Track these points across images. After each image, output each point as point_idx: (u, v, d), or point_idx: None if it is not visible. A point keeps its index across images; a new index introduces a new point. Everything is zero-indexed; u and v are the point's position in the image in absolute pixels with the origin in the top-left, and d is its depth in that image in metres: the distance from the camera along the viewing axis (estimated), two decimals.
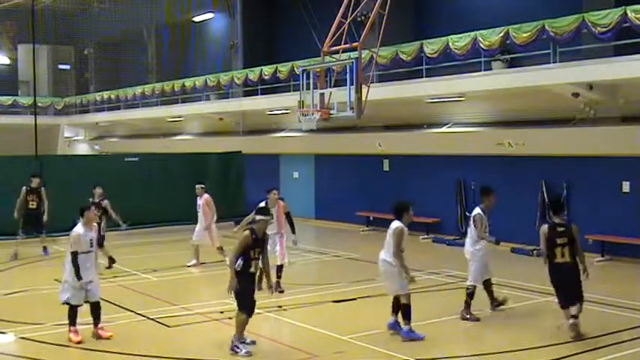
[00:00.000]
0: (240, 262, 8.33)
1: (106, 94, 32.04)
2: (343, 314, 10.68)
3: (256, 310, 10.61)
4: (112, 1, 31.52)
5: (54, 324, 9.89)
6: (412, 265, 14.06)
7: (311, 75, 14.93)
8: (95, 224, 9.52)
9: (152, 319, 10.23)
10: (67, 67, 37.47)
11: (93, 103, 33.62)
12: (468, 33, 15.88)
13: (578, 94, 14.60)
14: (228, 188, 22.26)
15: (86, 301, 9.13)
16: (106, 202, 14.28)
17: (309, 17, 17.54)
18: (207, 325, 10.04)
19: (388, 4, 14.62)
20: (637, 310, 10.64)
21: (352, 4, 15.21)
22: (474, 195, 17.65)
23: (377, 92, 15.33)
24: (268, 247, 10.84)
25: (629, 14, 12.90)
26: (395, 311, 9.30)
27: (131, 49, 33.59)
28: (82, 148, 37.06)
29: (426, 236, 18.74)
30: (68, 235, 13.82)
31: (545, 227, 9.18)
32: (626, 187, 14.97)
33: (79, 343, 8.89)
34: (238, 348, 8.28)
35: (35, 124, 20.04)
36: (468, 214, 17.84)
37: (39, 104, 28.09)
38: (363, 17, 15.87)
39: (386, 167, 20.62)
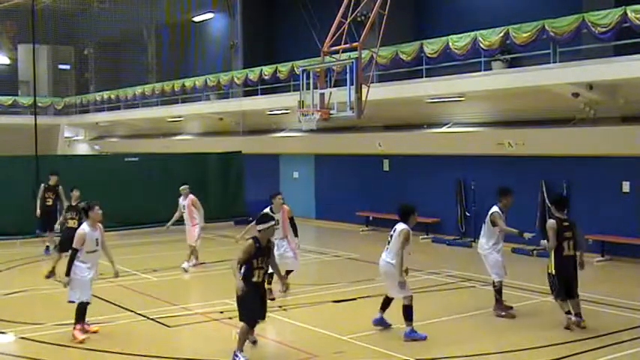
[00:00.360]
0: (242, 270, 8.11)
1: (106, 94, 32.04)
2: (343, 314, 10.69)
3: None
4: (112, 1, 31.52)
5: (54, 324, 9.90)
6: (412, 265, 14.03)
7: (311, 75, 14.93)
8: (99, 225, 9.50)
9: (152, 319, 10.23)
10: (67, 67, 37.48)
11: (93, 103, 33.62)
12: (468, 33, 15.88)
13: (578, 94, 14.60)
14: (228, 188, 22.28)
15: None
16: (83, 204, 13.90)
17: (309, 17, 17.55)
18: (207, 325, 10.04)
19: (388, 4, 14.62)
20: (637, 310, 10.64)
21: (352, 4, 15.21)
22: (474, 195, 17.67)
23: (377, 92, 15.33)
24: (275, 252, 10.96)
25: (629, 14, 12.90)
26: (383, 308, 9.47)
27: (131, 49, 33.58)
28: (82, 148, 37.06)
29: (426, 236, 18.74)
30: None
31: (553, 222, 9.49)
32: (626, 187, 14.98)
33: (81, 342, 8.87)
34: (237, 356, 8.09)
35: (35, 124, 20.02)
36: (468, 214, 17.95)
37: (39, 104, 28.09)
38: (363, 17, 15.87)
39: (386, 167, 20.63)
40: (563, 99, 15.04)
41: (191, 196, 14.40)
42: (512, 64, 16.57)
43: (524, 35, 14.65)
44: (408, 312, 9.07)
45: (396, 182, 20.00)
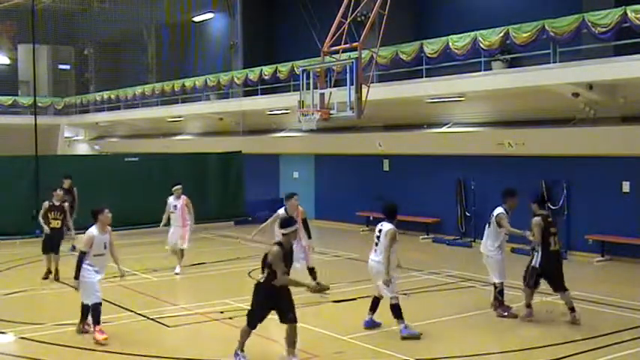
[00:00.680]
0: (265, 275, 7.92)
1: (106, 94, 32.05)
2: (343, 314, 10.68)
3: None
4: (112, 1, 31.50)
5: (54, 324, 9.90)
6: (412, 265, 14.11)
7: (311, 75, 14.92)
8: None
9: (152, 319, 10.23)
10: (67, 67, 37.48)
11: (93, 103, 33.63)
12: (468, 33, 15.88)
13: (578, 94, 14.60)
14: (228, 188, 22.28)
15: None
16: (66, 205, 13.64)
17: (309, 17, 17.54)
18: (207, 325, 10.04)
19: (388, 4, 14.61)
20: (637, 310, 10.64)
21: (352, 4, 15.20)
22: (474, 195, 17.67)
23: (377, 92, 15.32)
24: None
25: (629, 14, 12.91)
26: (372, 309, 9.56)
27: (131, 49, 33.58)
28: (82, 148, 37.07)
29: (426, 236, 18.75)
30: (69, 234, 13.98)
31: (539, 219, 9.84)
32: (626, 187, 14.98)
33: (105, 339, 8.81)
34: (237, 356, 8.07)
35: (35, 124, 20.01)
36: (468, 214, 17.95)
37: (39, 104, 28.08)
38: (363, 17, 15.86)
39: (386, 167, 20.62)
40: (563, 99, 15.04)
41: (184, 196, 14.21)
42: (512, 64, 16.58)
43: (524, 35, 14.66)
44: (396, 310, 9.16)
45: (396, 182, 19.99)
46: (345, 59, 14.88)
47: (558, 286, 9.86)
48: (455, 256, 16.22)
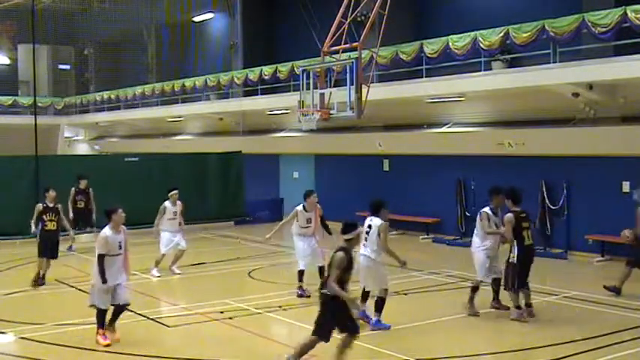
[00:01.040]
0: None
1: (106, 94, 32.05)
2: None
3: (256, 311, 10.70)
4: (112, 1, 31.50)
5: (54, 324, 9.90)
6: (412, 265, 14.06)
7: (311, 75, 14.92)
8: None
9: (152, 319, 10.23)
10: (67, 67, 37.47)
11: (93, 103, 33.62)
12: (468, 33, 15.88)
13: (578, 94, 14.60)
14: (228, 188, 22.28)
15: (113, 304, 8.90)
16: (60, 206, 13.10)
17: (309, 17, 17.54)
18: (207, 325, 10.03)
19: (388, 4, 14.61)
20: (637, 310, 10.64)
21: (352, 4, 15.20)
22: (474, 195, 17.67)
23: (377, 92, 15.32)
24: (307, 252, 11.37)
25: (629, 14, 12.91)
26: (364, 300, 9.72)
27: (131, 49, 33.58)
28: (82, 148, 37.06)
29: (426, 236, 18.74)
30: (68, 234, 13.97)
31: (510, 215, 9.95)
32: (626, 187, 14.97)
33: (107, 346, 8.72)
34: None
35: (35, 124, 20.01)
36: (468, 214, 17.94)
37: (39, 104, 28.08)
38: (363, 17, 15.86)
39: (386, 167, 20.62)
40: (563, 99, 15.04)
41: (179, 202, 14.06)
42: (512, 64, 16.58)
43: (524, 35, 14.65)
44: (381, 304, 9.45)
45: (396, 182, 19.99)
46: (345, 59, 14.88)
47: (520, 283, 9.98)
48: (455, 256, 16.20)
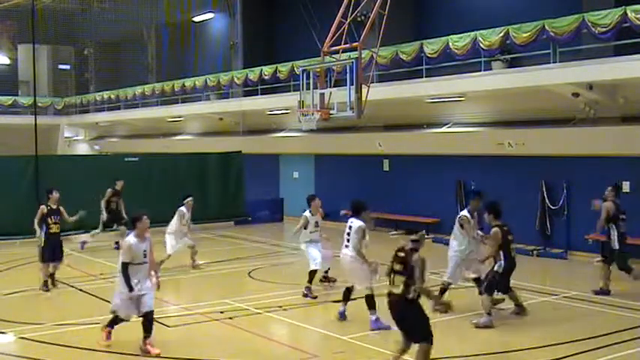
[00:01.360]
0: (414, 288, 7.37)
1: (106, 94, 32.05)
2: None
3: (256, 311, 10.70)
4: (112, 1, 31.51)
5: (54, 324, 9.90)
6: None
7: (311, 75, 14.93)
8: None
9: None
10: (67, 67, 37.47)
11: (93, 103, 33.63)
12: (468, 33, 15.88)
13: (578, 94, 14.60)
14: (228, 188, 22.28)
15: (139, 315, 8.70)
16: (62, 208, 12.52)
17: (309, 17, 17.54)
18: (207, 325, 10.03)
19: (388, 4, 14.62)
20: (637, 310, 10.64)
21: (352, 4, 15.20)
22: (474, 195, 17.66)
23: (377, 92, 15.33)
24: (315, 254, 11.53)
25: (629, 14, 12.90)
26: (345, 300, 9.97)
27: (131, 49, 33.59)
28: (82, 148, 37.06)
29: (426, 236, 18.70)
30: (63, 235, 13.90)
31: (497, 230, 9.94)
32: (626, 187, 14.96)
33: (107, 346, 8.69)
34: None
35: (35, 124, 20.00)
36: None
37: (39, 104, 28.08)
38: (363, 17, 15.87)
39: (386, 167, 20.62)
40: (563, 99, 15.04)
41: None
42: (512, 64, 16.57)
43: (524, 35, 14.65)
44: (371, 300, 9.55)
45: (396, 182, 19.99)
46: (345, 59, 14.89)
47: (502, 289, 10.09)
48: None
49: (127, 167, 20.66)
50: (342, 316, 10.03)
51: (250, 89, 23.70)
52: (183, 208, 14.25)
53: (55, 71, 36.84)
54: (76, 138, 37.70)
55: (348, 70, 13.97)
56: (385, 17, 14.76)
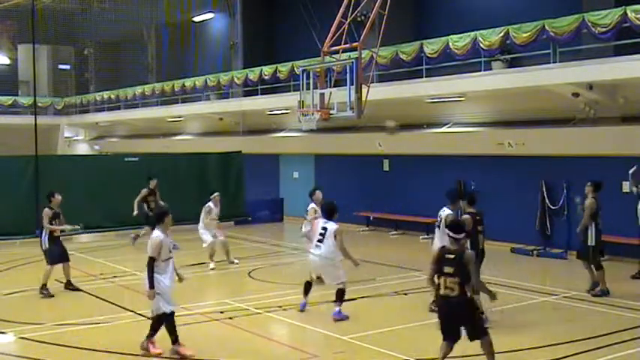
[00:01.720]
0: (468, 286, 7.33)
1: (106, 94, 32.05)
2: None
3: (256, 311, 10.70)
4: (112, 1, 31.52)
5: (54, 324, 9.90)
6: (412, 264, 14.12)
7: (311, 75, 14.93)
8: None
9: (152, 319, 10.19)
10: (67, 67, 37.48)
11: (93, 103, 33.63)
12: (468, 33, 15.88)
13: (578, 94, 14.60)
14: (228, 188, 22.26)
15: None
16: (61, 213, 12.35)
17: (309, 17, 17.54)
18: (207, 325, 10.03)
19: (388, 4, 14.62)
20: (637, 310, 10.64)
21: (352, 4, 15.20)
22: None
23: (377, 92, 15.32)
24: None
25: (629, 14, 12.90)
26: (305, 293, 10.46)
27: (131, 49, 33.59)
28: (82, 148, 37.07)
29: (426, 236, 18.71)
30: (63, 235, 13.88)
31: (468, 217, 9.88)
32: (626, 187, 14.96)
33: (158, 355, 8.52)
34: None
35: (35, 124, 20.00)
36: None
37: (39, 104, 28.08)
38: (363, 17, 15.87)
39: (386, 167, 20.62)
40: (563, 99, 15.04)
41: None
42: (512, 64, 16.57)
43: (524, 35, 14.65)
44: (342, 294, 10.08)
45: (396, 182, 19.99)
46: (345, 59, 14.89)
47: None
48: None
49: (127, 167, 20.67)
50: (303, 308, 10.45)
51: (250, 89, 23.71)
52: (210, 204, 14.84)
53: (55, 71, 36.85)
54: (76, 138, 37.71)
55: (348, 70, 13.96)
56: (385, 17, 14.76)
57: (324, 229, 10.08)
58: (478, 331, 7.49)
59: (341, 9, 15.20)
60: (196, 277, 13.95)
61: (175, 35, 30.74)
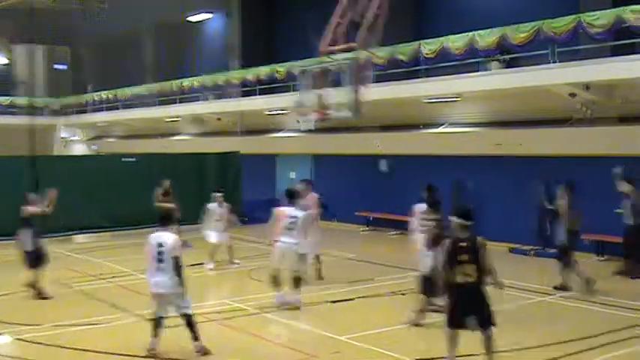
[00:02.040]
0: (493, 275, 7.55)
1: (103, 94, 32.00)
2: (341, 314, 10.68)
3: (254, 311, 10.70)
4: (110, 1, 31.46)
5: (51, 325, 9.88)
6: (412, 264, 14.08)
7: (310, 75, 14.91)
8: None
9: (152, 319, 10.19)
10: (64, 67, 37.42)
11: (90, 103, 33.57)
12: (466, 33, 15.89)
13: (575, 94, 14.62)
14: (226, 188, 22.23)
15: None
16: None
17: (309, 17, 17.53)
18: (205, 326, 10.01)
19: (386, 4, 14.61)
20: (637, 310, 10.65)
21: (350, 4, 15.19)
22: (472, 195, 17.66)
23: (375, 92, 15.33)
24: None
25: (626, 15, 12.92)
26: (277, 285, 10.76)
27: (129, 49, 33.55)
28: (79, 149, 37.00)
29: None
30: (61, 236, 13.85)
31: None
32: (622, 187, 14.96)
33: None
34: None
35: (32, 124, 19.97)
36: None
37: (35, 104, 28.04)
38: (360, 18, 15.85)
39: (383, 167, 20.61)
40: (560, 99, 15.06)
41: (225, 203, 15.15)
42: (509, 64, 16.59)
43: (522, 35, 14.68)
44: (298, 283, 10.56)
45: (394, 182, 19.98)
46: (343, 60, 14.88)
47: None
48: None
49: (124, 168, 20.65)
50: (280, 301, 10.69)
51: (248, 89, 23.69)
52: (210, 205, 14.87)
53: (52, 71, 36.79)
54: (72, 138, 37.63)
55: (345, 71, 13.96)
56: (384, 18, 14.76)
57: (295, 217, 10.47)
58: (488, 320, 7.56)
59: (339, 9, 15.19)
60: (196, 277, 13.93)
61: (174, 35, 30.70)
